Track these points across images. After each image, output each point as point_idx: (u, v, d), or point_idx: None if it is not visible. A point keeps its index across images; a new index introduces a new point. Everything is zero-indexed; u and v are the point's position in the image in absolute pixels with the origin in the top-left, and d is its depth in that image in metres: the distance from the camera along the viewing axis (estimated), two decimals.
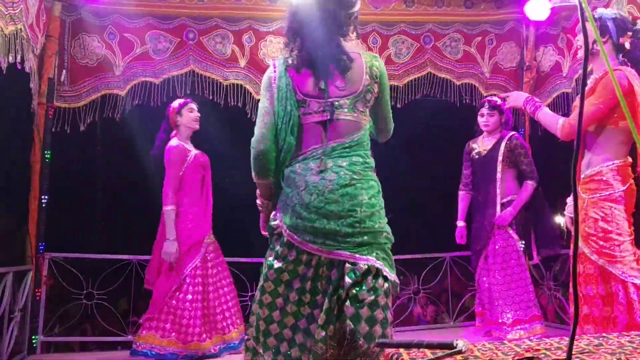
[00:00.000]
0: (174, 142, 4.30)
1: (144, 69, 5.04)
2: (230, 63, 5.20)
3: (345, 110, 2.31)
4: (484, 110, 4.72)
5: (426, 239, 6.93)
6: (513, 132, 4.71)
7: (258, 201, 2.50)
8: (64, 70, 4.90)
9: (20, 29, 3.87)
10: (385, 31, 5.47)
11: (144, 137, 4.80)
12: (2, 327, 4.01)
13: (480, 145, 4.77)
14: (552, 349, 1.66)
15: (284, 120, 2.29)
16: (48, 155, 4.78)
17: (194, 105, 4.45)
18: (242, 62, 5.23)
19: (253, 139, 2.34)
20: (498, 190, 4.54)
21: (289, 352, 2.19)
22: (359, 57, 2.37)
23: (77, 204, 7.79)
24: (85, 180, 7.90)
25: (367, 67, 2.35)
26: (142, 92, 5.02)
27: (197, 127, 4.44)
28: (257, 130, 2.33)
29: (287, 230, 2.25)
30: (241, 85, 5.21)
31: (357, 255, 2.18)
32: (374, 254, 2.22)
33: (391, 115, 2.54)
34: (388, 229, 2.32)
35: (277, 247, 2.28)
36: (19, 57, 3.84)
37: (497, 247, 4.53)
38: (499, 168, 4.57)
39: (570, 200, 3.12)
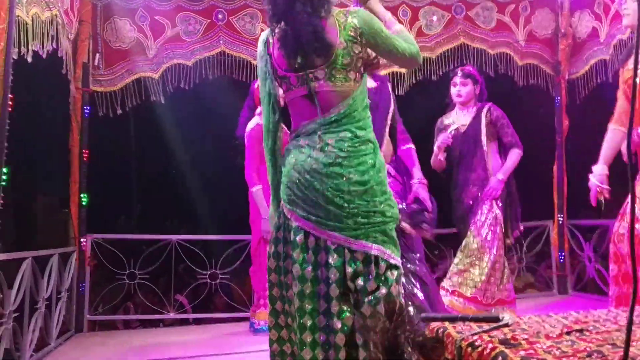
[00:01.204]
0: (252, 123, 4.27)
1: (175, 52, 5.06)
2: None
3: (322, 81, 2.15)
4: (457, 80, 4.27)
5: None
6: (489, 103, 4.28)
7: None
8: (98, 54, 4.96)
9: (56, 15, 3.92)
10: (414, 3, 5.38)
11: (179, 119, 4.90)
12: (50, 307, 4.13)
13: (456, 119, 4.30)
14: (601, 320, 1.64)
15: (265, 100, 2.30)
16: (86, 139, 4.89)
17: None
18: None
19: None
20: (488, 166, 4.16)
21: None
22: (330, 20, 2.16)
23: (117, 186, 7.95)
24: (123, 163, 8.06)
25: (339, 29, 2.15)
26: (175, 74, 5.05)
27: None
28: None
29: (286, 206, 2.21)
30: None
31: (352, 240, 2.09)
32: (371, 238, 2.11)
33: (398, 43, 2.21)
34: (386, 208, 2.16)
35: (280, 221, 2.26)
36: (54, 43, 3.89)
37: (481, 222, 4.14)
38: (484, 142, 4.17)
39: (597, 168, 3.00)
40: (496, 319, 1.61)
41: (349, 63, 2.14)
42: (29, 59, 3.45)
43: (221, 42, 5.10)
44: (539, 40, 5.57)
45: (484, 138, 4.18)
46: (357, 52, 2.15)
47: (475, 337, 1.45)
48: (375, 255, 2.08)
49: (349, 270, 2.07)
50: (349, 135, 2.14)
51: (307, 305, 2.06)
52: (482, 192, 4.15)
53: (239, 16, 5.15)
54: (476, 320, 1.65)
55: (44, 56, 3.71)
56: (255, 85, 4.25)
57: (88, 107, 4.91)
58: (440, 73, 5.36)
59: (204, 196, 7.34)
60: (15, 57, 3.19)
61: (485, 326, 1.59)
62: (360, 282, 2.05)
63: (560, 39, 5.52)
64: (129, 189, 8.51)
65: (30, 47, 3.43)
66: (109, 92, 4.98)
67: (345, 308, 2.05)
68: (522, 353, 1.27)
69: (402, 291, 2.17)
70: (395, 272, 2.11)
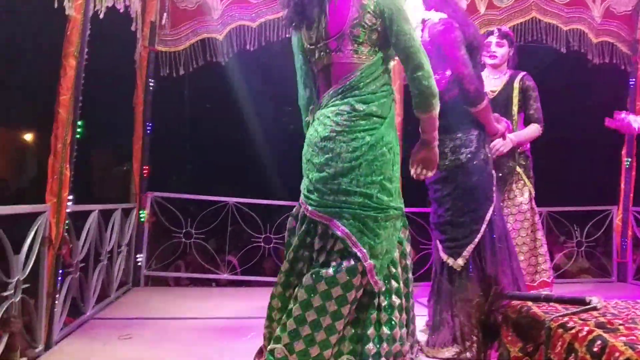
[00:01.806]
0: None
1: (241, 13, 5.03)
2: None
3: (334, 53, 2.14)
4: (492, 39, 3.89)
5: None
6: (523, 72, 3.94)
7: None
8: (165, 14, 4.99)
9: None
10: None
11: (242, 81, 4.89)
12: (111, 260, 4.25)
13: (487, 84, 3.81)
14: None
15: (298, 77, 2.33)
16: (150, 97, 4.96)
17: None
18: None
19: None
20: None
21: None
22: None
23: (178, 146, 8.08)
24: (185, 124, 8.16)
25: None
26: (239, 36, 5.03)
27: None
28: None
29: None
30: None
31: (335, 221, 2.03)
32: (342, 221, 2.02)
33: (421, 48, 2.11)
34: (374, 191, 2.05)
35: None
36: (126, 1, 3.92)
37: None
38: (515, 111, 3.85)
39: None
40: (583, 302, 1.56)
41: (360, 35, 2.09)
42: (102, 16, 3.47)
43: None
44: (617, 17, 5.30)
45: (515, 107, 3.87)
46: (370, 23, 2.08)
47: (565, 319, 1.40)
48: (340, 237, 2.02)
49: (316, 245, 2.07)
50: (347, 108, 2.09)
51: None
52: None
53: None
54: (561, 301, 1.60)
55: (120, 10, 3.74)
56: None
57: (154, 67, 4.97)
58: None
59: (263, 160, 7.43)
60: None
61: (572, 308, 1.54)
62: (319, 259, 2.04)
63: None
64: (189, 150, 8.64)
65: (104, 3, 3.46)
66: (172, 52, 5.01)
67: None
68: (623, 339, 1.21)
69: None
70: (352, 262, 1.99)
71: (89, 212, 3.73)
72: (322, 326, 1.95)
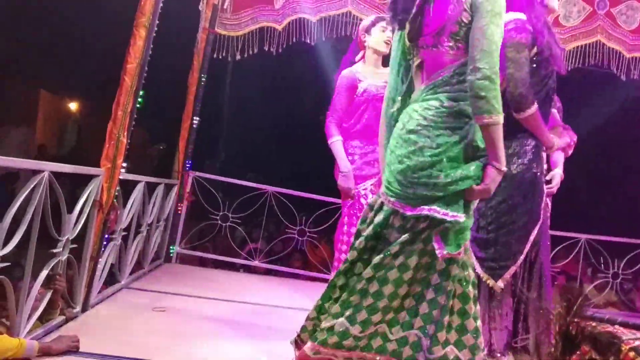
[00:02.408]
0: (346, 70, 3.79)
1: (303, 5, 5.03)
2: (386, 6, 5.08)
3: (429, 49, 2.14)
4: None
5: None
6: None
7: None
8: None
9: None
10: None
11: (296, 72, 4.91)
12: (150, 233, 4.30)
13: None
14: None
15: (393, 68, 2.30)
16: (204, 79, 5.00)
17: (387, 25, 3.73)
18: None
19: None
20: None
21: None
22: None
23: (225, 129, 8.15)
24: (234, 108, 8.22)
25: None
26: (298, 28, 5.04)
27: (387, 50, 3.74)
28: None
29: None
30: None
31: (409, 207, 2.04)
32: (435, 204, 2.03)
33: (487, 45, 2.00)
34: (451, 189, 2.03)
35: None
36: None
37: None
38: None
39: None
40: None
41: (457, 32, 2.07)
42: None
43: (349, 2, 5.02)
44: None
45: None
46: (466, 21, 2.05)
47: (637, 343, 1.36)
48: (425, 214, 2.02)
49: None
50: (437, 104, 2.08)
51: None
52: None
53: None
54: (626, 325, 1.56)
55: None
56: (360, 26, 3.85)
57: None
58: (569, 68, 5.07)
59: (306, 153, 7.44)
60: None
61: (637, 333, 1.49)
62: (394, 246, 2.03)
63: None
64: (234, 134, 8.70)
65: None
66: (231, 37, 5.05)
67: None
68: None
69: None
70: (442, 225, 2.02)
71: (135, 183, 3.77)
72: (384, 295, 1.99)
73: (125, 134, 3.01)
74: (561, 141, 2.94)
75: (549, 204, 2.91)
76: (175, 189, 4.90)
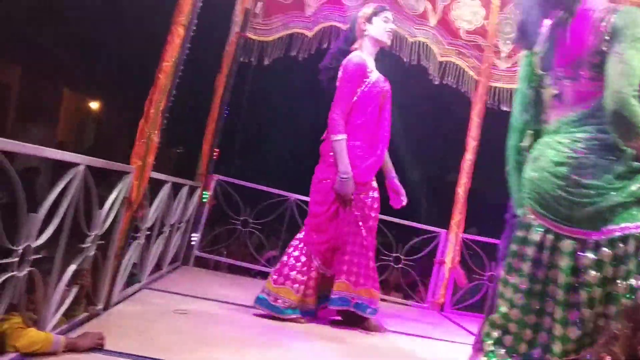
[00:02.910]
0: (354, 56, 3.51)
1: (333, 13, 5.03)
2: (420, 20, 5.07)
3: (567, 81, 2.10)
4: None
5: None
6: None
7: None
8: (260, 3, 5.03)
9: None
10: None
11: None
12: (171, 235, 4.27)
13: None
14: None
15: (518, 99, 2.34)
16: (232, 82, 5.00)
17: (389, 15, 3.68)
18: (433, 21, 5.08)
19: None
20: None
21: None
22: (588, 15, 2.06)
23: (250, 134, 8.14)
24: (260, 113, 8.23)
25: (594, 25, 2.02)
26: (328, 36, 5.03)
27: (388, 42, 3.69)
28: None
29: (528, 203, 2.17)
30: (426, 45, 5.08)
31: (588, 231, 1.98)
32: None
33: (625, 70, 1.92)
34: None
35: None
36: None
37: None
38: None
39: None
40: None
41: (598, 63, 2.01)
42: None
43: None
44: None
45: None
46: (607, 50, 1.99)
47: None
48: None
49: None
50: (586, 136, 2.04)
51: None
52: None
53: None
54: None
55: None
56: (361, 14, 3.67)
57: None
58: None
59: None
60: None
61: None
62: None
63: None
64: (258, 140, 8.71)
65: None
66: (260, 42, 5.05)
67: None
68: None
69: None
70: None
71: (158, 183, 3.74)
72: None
73: (157, 132, 2.99)
74: None
75: None
76: (198, 192, 4.88)
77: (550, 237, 2.03)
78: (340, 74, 3.52)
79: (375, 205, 3.63)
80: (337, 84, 3.49)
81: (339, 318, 3.64)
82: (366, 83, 3.48)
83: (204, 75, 5.20)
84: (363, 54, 3.52)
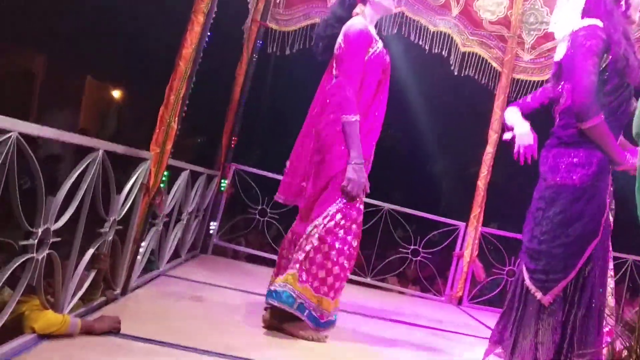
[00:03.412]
0: (356, 23, 3.02)
1: None
2: (442, 10, 5.02)
3: None
4: None
5: None
6: None
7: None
8: None
9: None
10: None
11: None
12: (189, 222, 4.29)
13: None
14: None
15: None
16: (252, 72, 4.99)
17: None
18: (455, 11, 5.02)
19: None
20: None
21: None
22: None
23: (270, 123, 8.13)
24: (281, 103, 8.21)
25: None
26: None
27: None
28: None
29: None
30: (448, 35, 5.02)
31: None
32: None
33: None
34: None
35: None
36: None
37: None
38: None
39: None
40: None
41: None
42: None
43: (403, 2, 4.95)
44: None
45: None
46: None
47: None
48: None
49: None
50: None
51: None
52: None
53: None
54: None
55: None
56: None
57: (261, 42, 4.99)
58: None
59: None
60: None
61: None
62: None
63: None
64: (275, 129, 8.70)
65: None
66: (282, 32, 5.03)
67: None
68: None
69: None
70: None
71: (177, 170, 3.76)
72: None
73: (176, 119, 2.99)
74: (634, 160, 2.72)
75: (611, 223, 2.76)
76: (216, 180, 4.90)
77: None
78: (343, 44, 2.99)
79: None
80: (341, 55, 2.99)
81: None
82: (370, 53, 3.00)
83: (226, 64, 5.20)
84: (366, 21, 3.06)
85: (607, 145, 2.57)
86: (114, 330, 2.30)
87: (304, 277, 2.83)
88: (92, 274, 2.56)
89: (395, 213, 5.23)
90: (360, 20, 3.04)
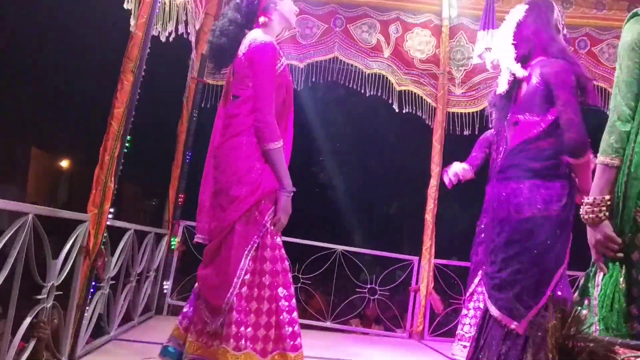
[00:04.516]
0: (262, 37, 2.69)
1: (289, 53, 5.13)
2: (374, 52, 5.20)
3: None
4: None
5: None
6: None
7: (587, 208, 1.99)
8: None
9: (187, 1, 4.06)
10: None
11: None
12: (140, 283, 4.21)
13: None
14: None
15: (624, 82, 1.92)
16: (193, 128, 5.02)
17: None
18: (387, 53, 5.21)
19: (617, 112, 1.94)
20: None
21: None
22: None
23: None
24: None
25: None
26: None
27: (294, 25, 3.05)
28: (622, 101, 1.94)
29: None
30: (383, 76, 5.19)
31: None
32: None
33: None
34: None
35: None
36: (187, 27, 4.02)
37: None
38: None
39: None
40: None
41: None
42: (163, 39, 3.56)
43: (336, 48, 5.13)
44: None
45: None
46: None
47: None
48: None
49: None
50: None
51: None
52: None
53: (357, 24, 5.22)
54: (627, 346, 1.51)
55: (174, 38, 3.81)
56: None
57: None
58: None
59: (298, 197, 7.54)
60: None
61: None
62: None
63: None
64: None
65: (167, 26, 3.55)
66: (218, 85, 5.10)
67: None
68: None
69: None
70: None
71: (123, 230, 3.71)
72: None
73: (113, 179, 2.98)
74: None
75: None
76: (165, 239, 4.84)
77: None
78: (254, 60, 2.64)
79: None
80: (251, 73, 2.66)
81: None
82: (278, 70, 2.71)
83: (166, 122, 5.23)
84: (270, 34, 2.77)
85: (589, 177, 2.57)
86: None
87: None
88: (32, 343, 2.48)
89: (349, 254, 5.26)
90: (264, 33, 2.74)
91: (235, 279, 2.49)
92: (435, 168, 5.13)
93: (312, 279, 5.34)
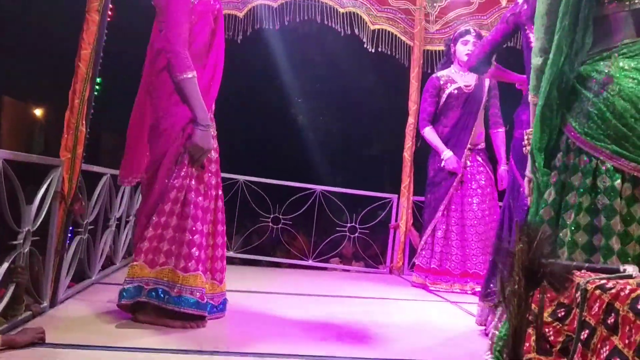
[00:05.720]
0: None
1: None
2: None
3: None
4: (470, 38, 4.29)
5: None
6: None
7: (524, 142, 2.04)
8: None
9: None
10: None
11: (259, 61, 4.87)
12: (119, 228, 4.21)
13: (459, 79, 4.37)
14: None
15: (565, 12, 1.84)
16: None
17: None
18: None
19: (535, 50, 1.93)
20: (471, 133, 4.33)
21: None
22: None
23: None
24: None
25: None
26: (259, 15, 4.99)
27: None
28: (536, 34, 1.93)
29: (590, 142, 1.78)
30: (357, 14, 5.10)
31: None
32: None
33: None
34: None
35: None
36: None
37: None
38: (481, 108, 4.37)
39: None
40: (617, 270, 1.51)
41: None
42: None
43: None
44: None
45: (483, 104, 4.37)
46: None
47: (603, 281, 1.35)
48: None
49: None
50: None
51: None
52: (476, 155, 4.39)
53: None
54: (593, 270, 1.55)
55: None
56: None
57: None
58: None
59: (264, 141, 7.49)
60: None
61: (605, 276, 1.48)
62: None
63: None
64: None
65: None
66: None
67: None
68: None
69: None
70: None
71: (101, 176, 3.68)
72: None
73: (84, 122, 2.93)
74: None
75: None
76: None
77: (628, 184, 1.75)
78: None
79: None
80: (160, 3, 2.66)
81: None
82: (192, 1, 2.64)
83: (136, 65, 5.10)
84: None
85: None
86: (38, 341, 2.25)
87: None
88: (11, 289, 2.49)
89: (329, 194, 5.30)
90: None
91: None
92: (412, 106, 5.12)
93: (294, 220, 5.39)
